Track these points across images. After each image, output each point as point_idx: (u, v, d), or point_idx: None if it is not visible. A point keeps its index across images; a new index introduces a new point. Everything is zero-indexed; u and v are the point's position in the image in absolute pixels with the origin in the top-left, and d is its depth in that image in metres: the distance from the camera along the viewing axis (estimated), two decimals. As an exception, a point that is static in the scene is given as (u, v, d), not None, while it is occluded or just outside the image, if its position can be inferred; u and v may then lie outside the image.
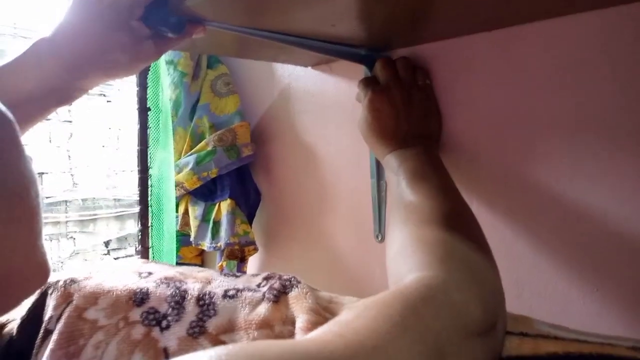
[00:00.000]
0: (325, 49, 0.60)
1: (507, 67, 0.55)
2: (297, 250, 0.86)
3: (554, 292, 0.53)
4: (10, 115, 0.29)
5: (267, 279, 0.51)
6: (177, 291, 0.49)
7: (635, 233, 0.47)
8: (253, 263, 0.94)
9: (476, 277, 0.38)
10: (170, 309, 0.47)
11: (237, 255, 0.87)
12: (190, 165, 0.85)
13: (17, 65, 0.47)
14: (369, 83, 0.60)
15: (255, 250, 0.87)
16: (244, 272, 0.91)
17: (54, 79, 0.49)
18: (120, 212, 6.80)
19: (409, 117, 0.57)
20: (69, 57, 0.49)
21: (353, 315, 0.29)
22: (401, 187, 0.51)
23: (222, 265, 0.88)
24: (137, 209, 0.90)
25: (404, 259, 0.42)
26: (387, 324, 0.28)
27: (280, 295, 0.47)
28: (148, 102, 0.86)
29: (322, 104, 0.78)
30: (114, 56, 0.51)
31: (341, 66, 0.73)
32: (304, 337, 0.29)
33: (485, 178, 0.58)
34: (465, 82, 0.59)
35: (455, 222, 0.45)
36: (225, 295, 0.48)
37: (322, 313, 0.44)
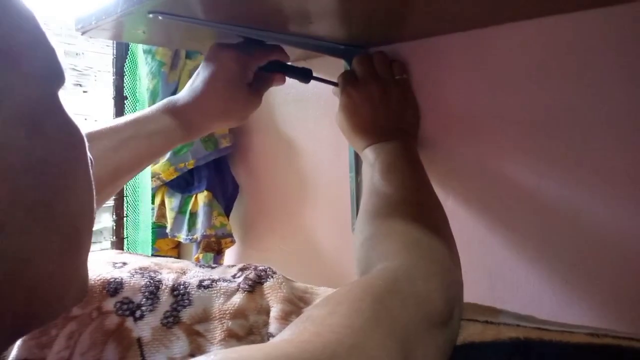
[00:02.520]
0: (305, 44, 0.60)
1: (483, 65, 0.56)
2: (276, 242, 0.86)
3: (526, 285, 0.55)
4: (81, 134, 0.28)
5: (242, 269, 0.51)
6: (152, 281, 0.48)
7: (604, 228, 0.48)
8: (230, 255, 0.93)
9: (439, 267, 0.39)
10: (144, 299, 0.47)
11: (214, 248, 0.86)
12: (167, 156, 0.85)
13: (144, 119, 0.55)
14: (346, 78, 0.60)
15: (232, 242, 0.87)
16: (221, 264, 0.90)
17: (174, 136, 0.56)
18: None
19: (386, 111, 0.58)
20: (194, 120, 0.57)
21: (326, 312, 0.30)
22: (374, 178, 0.52)
23: (198, 257, 0.87)
24: (112, 200, 0.89)
25: (372, 247, 0.43)
26: (360, 319, 0.29)
27: (255, 285, 0.47)
28: (125, 91, 0.84)
29: (302, 97, 0.78)
30: (233, 114, 0.59)
31: (321, 61, 0.73)
32: (278, 337, 0.29)
33: (461, 173, 0.59)
34: (442, 78, 0.60)
35: (423, 213, 0.46)
36: (200, 285, 0.48)
37: (297, 303, 0.45)
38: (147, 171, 0.85)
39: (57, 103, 0.27)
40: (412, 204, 0.46)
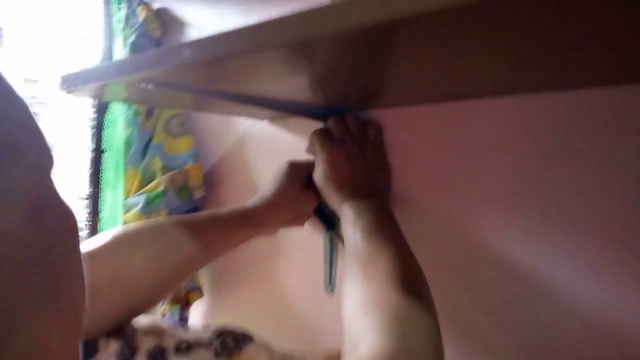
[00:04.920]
0: (283, 108, 0.63)
1: (455, 135, 0.59)
2: (245, 295, 0.85)
3: (493, 346, 0.57)
4: (74, 216, 0.29)
5: (218, 334, 0.51)
6: (127, 346, 0.47)
7: (574, 300, 0.51)
8: (197, 307, 0.92)
9: (428, 344, 0.41)
10: (119, 365, 0.46)
11: (182, 300, 0.85)
12: (140, 206, 0.84)
13: (225, 220, 0.61)
14: (325, 137, 0.63)
15: (201, 295, 0.86)
16: (187, 318, 0.89)
17: (246, 236, 0.64)
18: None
19: (363, 169, 0.61)
20: (267, 225, 0.65)
21: None
22: (358, 240, 0.54)
23: (165, 309, 0.85)
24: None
25: (361, 318, 0.44)
26: None
27: (233, 352, 0.47)
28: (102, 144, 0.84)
29: (277, 151, 0.80)
30: (303, 216, 0.68)
31: (298, 121, 0.76)
32: None
33: (431, 235, 0.62)
34: (414, 144, 0.63)
35: (409, 282, 0.48)
36: (177, 350, 0.47)
37: (276, 371, 0.45)
38: (119, 222, 0.84)
39: (53, 189, 0.28)
40: (397, 272, 0.48)
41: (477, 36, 0.32)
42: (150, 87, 0.46)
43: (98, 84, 0.49)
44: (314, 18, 0.31)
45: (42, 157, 0.27)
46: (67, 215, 0.28)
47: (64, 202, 0.28)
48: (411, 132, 0.63)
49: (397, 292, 0.45)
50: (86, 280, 0.30)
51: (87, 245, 0.50)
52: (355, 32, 0.30)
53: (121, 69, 0.45)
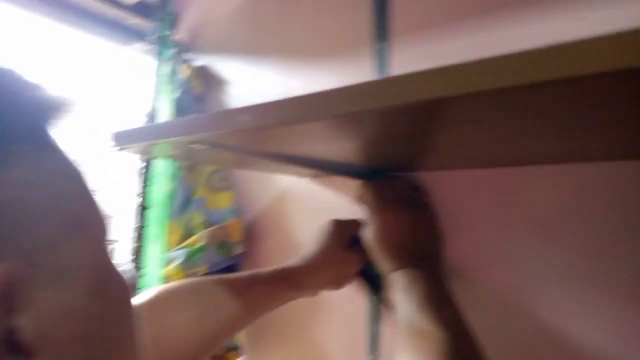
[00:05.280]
0: (329, 168, 0.62)
1: (506, 202, 0.57)
2: (284, 356, 0.82)
3: None
4: (127, 285, 0.29)
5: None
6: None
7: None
8: (234, 367, 0.89)
9: None
10: None
11: (220, 359, 0.83)
12: (180, 260, 0.83)
13: (266, 281, 0.60)
14: (378, 196, 0.61)
15: (239, 354, 0.83)
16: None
17: (287, 298, 0.63)
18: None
19: (417, 237, 0.58)
20: (308, 286, 0.63)
21: None
22: (411, 312, 0.51)
23: (201, 368, 0.83)
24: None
25: None
26: None
27: None
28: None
29: (317, 209, 0.79)
30: (345, 279, 0.66)
31: (339, 178, 0.75)
32: None
33: (484, 306, 0.58)
34: (465, 209, 0.61)
35: (469, 356, 0.45)
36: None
37: None
38: (159, 276, 0.84)
39: (111, 260, 0.28)
40: (452, 348, 0.45)
41: (535, 114, 0.31)
42: (202, 147, 0.46)
43: (149, 144, 0.49)
44: (373, 90, 0.31)
45: (101, 228, 0.27)
46: (123, 285, 0.28)
47: (119, 274, 0.28)
48: (463, 196, 0.61)
49: None
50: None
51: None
52: (408, 107, 0.29)
53: (174, 129, 0.46)
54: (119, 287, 0.28)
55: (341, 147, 0.49)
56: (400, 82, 0.29)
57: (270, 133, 0.41)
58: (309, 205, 0.80)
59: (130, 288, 0.31)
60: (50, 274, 0.23)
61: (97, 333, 0.25)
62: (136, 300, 0.51)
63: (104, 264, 0.27)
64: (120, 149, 0.54)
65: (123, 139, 0.53)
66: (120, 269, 0.29)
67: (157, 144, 0.51)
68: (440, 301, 0.51)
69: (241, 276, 0.60)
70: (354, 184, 0.69)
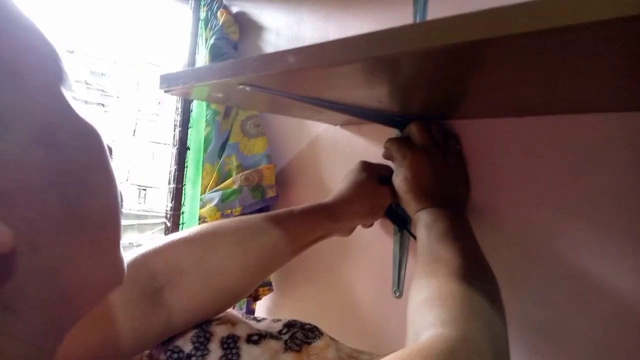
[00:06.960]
0: (362, 114, 0.63)
1: (534, 150, 0.58)
2: (312, 294, 0.87)
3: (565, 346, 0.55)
4: (95, 129, 0.27)
5: (288, 326, 0.52)
6: (202, 332, 0.50)
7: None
8: (264, 301, 0.95)
9: (494, 342, 0.40)
10: (194, 349, 0.48)
11: (251, 294, 0.88)
12: (215, 202, 0.88)
13: (304, 213, 0.62)
14: (406, 144, 0.63)
15: (270, 290, 0.88)
16: (253, 310, 0.92)
17: (325, 230, 0.63)
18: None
19: (445, 180, 0.60)
20: (344, 217, 0.65)
21: None
22: (432, 242, 0.54)
23: (235, 301, 0.89)
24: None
25: (429, 309, 0.43)
26: None
27: (302, 345, 0.48)
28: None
29: (348, 155, 0.81)
30: (379, 211, 0.67)
31: (370, 127, 0.77)
32: None
33: (505, 247, 0.60)
34: (493, 157, 0.62)
35: (481, 281, 0.47)
36: (248, 339, 0.49)
37: (343, 367, 0.46)
38: (196, 217, 0.88)
39: (66, 106, 0.26)
40: (470, 272, 0.48)
41: (574, 58, 0.32)
42: (248, 89, 0.48)
43: (198, 85, 0.51)
44: (414, 33, 0.32)
45: (48, 76, 0.25)
46: (84, 129, 0.27)
47: (79, 117, 0.27)
48: (491, 144, 0.62)
49: (468, 288, 0.45)
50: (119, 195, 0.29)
51: (172, 235, 0.53)
52: (445, 50, 0.30)
53: (222, 71, 0.48)
54: (76, 137, 0.26)
55: (377, 93, 0.50)
56: (438, 26, 0.30)
57: (313, 74, 0.43)
58: (339, 152, 0.83)
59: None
60: None
61: (45, 182, 0.24)
62: (178, 233, 0.54)
63: (52, 114, 0.25)
64: (167, 91, 0.57)
65: (171, 81, 0.56)
66: (88, 119, 0.27)
67: (205, 86, 0.53)
68: (459, 233, 0.54)
69: (279, 211, 0.62)
70: (382, 134, 0.71)
